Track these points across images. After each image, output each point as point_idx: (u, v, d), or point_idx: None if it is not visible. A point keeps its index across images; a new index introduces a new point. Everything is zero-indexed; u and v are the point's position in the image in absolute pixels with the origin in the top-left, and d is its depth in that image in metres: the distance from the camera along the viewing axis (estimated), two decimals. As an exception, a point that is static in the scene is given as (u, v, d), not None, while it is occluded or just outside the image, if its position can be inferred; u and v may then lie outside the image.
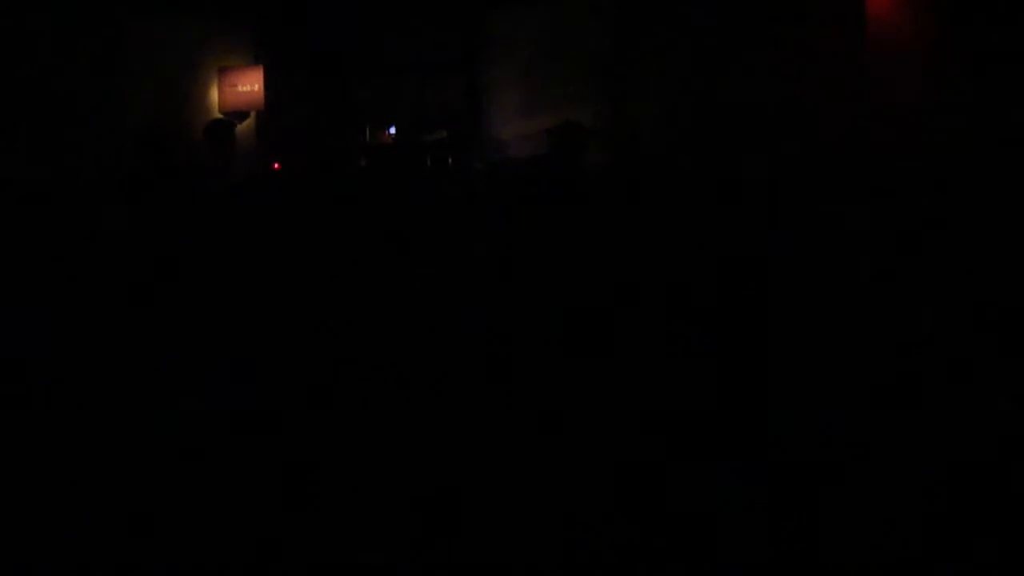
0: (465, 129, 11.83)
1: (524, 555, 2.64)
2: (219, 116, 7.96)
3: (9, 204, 4.28)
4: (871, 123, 3.66)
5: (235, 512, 2.90)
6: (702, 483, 2.90)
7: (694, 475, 2.97)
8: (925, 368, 3.35)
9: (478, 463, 3.14)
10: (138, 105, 6.27)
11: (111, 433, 3.31)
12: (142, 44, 6.69)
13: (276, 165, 7.16)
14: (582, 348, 3.52)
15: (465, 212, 4.23)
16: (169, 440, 3.28)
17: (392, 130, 14.01)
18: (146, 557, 2.62)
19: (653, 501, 2.85)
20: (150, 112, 6.28)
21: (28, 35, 5.22)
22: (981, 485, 2.74)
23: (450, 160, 9.88)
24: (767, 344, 3.66)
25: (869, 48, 3.60)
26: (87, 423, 3.34)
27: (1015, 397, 3.03)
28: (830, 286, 3.72)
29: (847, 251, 3.75)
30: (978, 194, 3.51)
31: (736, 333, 3.64)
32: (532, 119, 8.19)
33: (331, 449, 3.29)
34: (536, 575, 2.59)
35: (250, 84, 8.40)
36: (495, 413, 3.49)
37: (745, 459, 3.04)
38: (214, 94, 8.31)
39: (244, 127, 8.43)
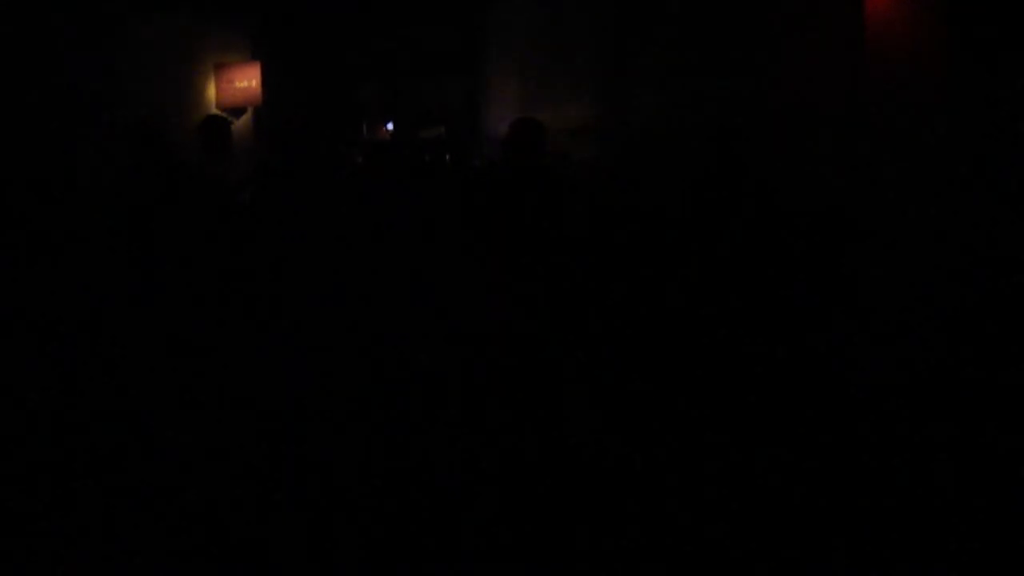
0: (463, 126, 11.80)
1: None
2: (214, 112, 7.90)
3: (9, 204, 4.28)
4: (869, 121, 3.64)
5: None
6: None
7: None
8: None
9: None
10: (134, 101, 6.22)
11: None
12: (138, 40, 6.64)
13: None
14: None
15: (452, 212, 4.23)
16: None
17: (390, 126, 13.98)
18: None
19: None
20: (145, 108, 6.23)
21: (24, 32, 5.18)
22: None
23: (448, 157, 9.83)
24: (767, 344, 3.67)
25: (868, 47, 3.58)
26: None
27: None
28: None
29: (846, 251, 3.73)
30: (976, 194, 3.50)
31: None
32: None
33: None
34: None
35: (248, 80, 8.30)
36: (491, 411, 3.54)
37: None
38: (211, 90, 8.24)
39: (242, 123, 8.38)
